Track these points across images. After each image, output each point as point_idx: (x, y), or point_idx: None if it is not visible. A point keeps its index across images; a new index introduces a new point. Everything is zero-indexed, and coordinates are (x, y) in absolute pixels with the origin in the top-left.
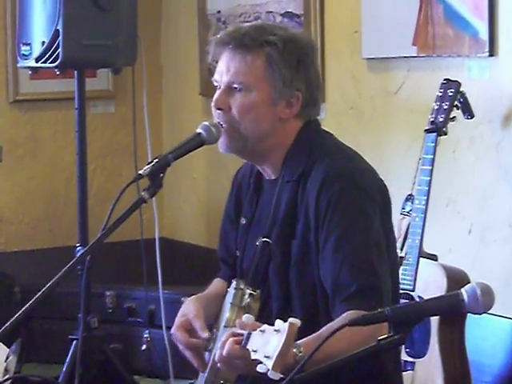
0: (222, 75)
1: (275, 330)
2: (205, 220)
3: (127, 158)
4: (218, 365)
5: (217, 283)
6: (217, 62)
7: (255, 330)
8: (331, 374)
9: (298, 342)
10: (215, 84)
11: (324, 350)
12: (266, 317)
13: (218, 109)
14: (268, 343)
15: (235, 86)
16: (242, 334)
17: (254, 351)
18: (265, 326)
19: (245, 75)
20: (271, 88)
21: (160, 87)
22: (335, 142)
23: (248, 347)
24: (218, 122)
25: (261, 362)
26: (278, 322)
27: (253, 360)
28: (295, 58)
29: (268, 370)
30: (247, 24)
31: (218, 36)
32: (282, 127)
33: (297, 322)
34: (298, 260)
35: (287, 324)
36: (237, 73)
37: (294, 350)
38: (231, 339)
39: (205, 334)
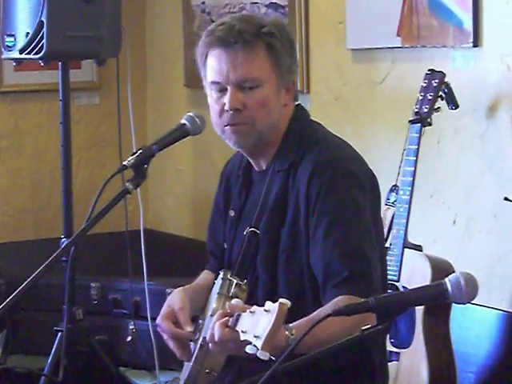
0: (226, 75)
1: (265, 310)
2: (190, 211)
3: (112, 150)
4: (210, 345)
5: (205, 275)
6: (202, 61)
7: (245, 311)
8: (317, 363)
9: (290, 324)
10: (215, 86)
11: (316, 334)
12: (252, 305)
13: (235, 109)
14: (258, 323)
15: (247, 84)
16: (231, 315)
17: (244, 332)
18: (254, 307)
19: (255, 71)
20: (277, 77)
21: (145, 78)
22: (325, 132)
23: (237, 328)
24: (234, 123)
25: (250, 343)
26: (268, 303)
27: (242, 341)
28: (289, 43)
29: (257, 350)
30: (232, 19)
31: (211, 37)
32: (283, 113)
33: (287, 302)
34: (286, 247)
35: (277, 304)
36: (247, 71)
37: (286, 333)
38: (219, 322)
39: (188, 328)
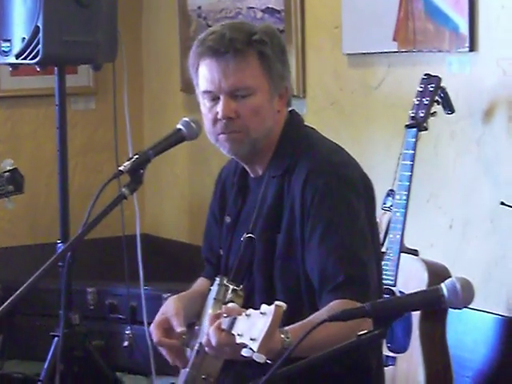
0: (218, 84)
1: (261, 313)
2: (187, 216)
3: (108, 155)
4: (206, 349)
5: (200, 282)
6: (195, 70)
7: (241, 314)
8: (313, 367)
9: (286, 328)
10: (207, 95)
11: (311, 338)
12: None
13: (228, 118)
14: (254, 326)
15: (239, 92)
16: (226, 316)
17: (240, 335)
18: (250, 310)
19: (247, 80)
20: (269, 84)
21: (141, 83)
22: (319, 137)
23: (233, 332)
24: (228, 131)
25: (246, 346)
26: (264, 306)
27: (238, 344)
28: (281, 49)
29: (253, 352)
30: (223, 27)
31: (202, 47)
32: (277, 119)
33: (283, 304)
34: (282, 253)
35: (273, 306)
36: (239, 79)
37: (282, 336)
38: (214, 326)
39: (180, 329)
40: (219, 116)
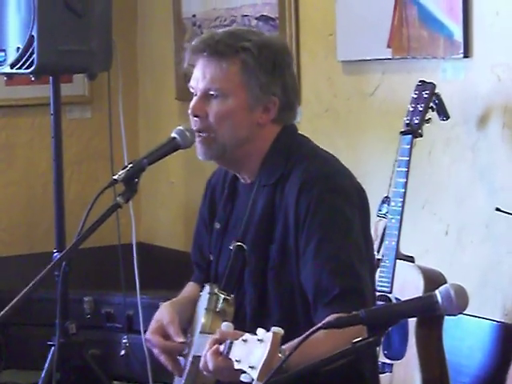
0: (197, 82)
1: (258, 340)
2: (182, 224)
3: (104, 164)
4: (204, 372)
5: (190, 287)
6: (193, 68)
7: (237, 338)
8: (308, 377)
9: (283, 346)
10: (191, 91)
11: (307, 353)
12: (240, 321)
13: (196, 116)
14: (251, 353)
15: (211, 92)
16: (222, 341)
17: (238, 361)
18: (247, 336)
19: (221, 82)
20: (248, 94)
21: (136, 92)
22: (312, 146)
23: (231, 357)
24: (196, 130)
25: (244, 372)
26: (261, 332)
27: (236, 369)
28: (271, 62)
29: (253, 380)
30: (221, 30)
31: (193, 43)
32: (259, 132)
33: (280, 330)
34: (276, 264)
35: (271, 334)
36: (213, 79)
37: (280, 355)
38: (212, 351)
39: (180, 339)
40: (189, 112)
